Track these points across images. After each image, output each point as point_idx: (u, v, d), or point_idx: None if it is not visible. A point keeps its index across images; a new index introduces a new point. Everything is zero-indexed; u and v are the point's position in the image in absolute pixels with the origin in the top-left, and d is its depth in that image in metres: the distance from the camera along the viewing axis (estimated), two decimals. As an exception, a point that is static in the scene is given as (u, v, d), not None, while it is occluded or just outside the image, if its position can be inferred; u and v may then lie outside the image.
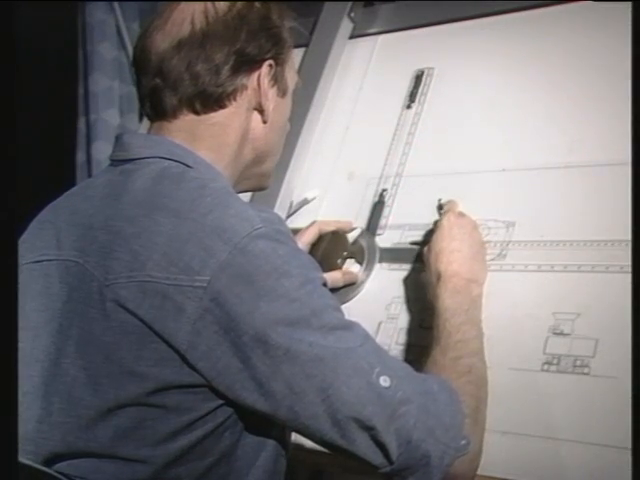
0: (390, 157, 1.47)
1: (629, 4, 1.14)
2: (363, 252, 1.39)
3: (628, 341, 0.98)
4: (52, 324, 1.04)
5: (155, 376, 0.98)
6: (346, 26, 1.61)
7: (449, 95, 1.46)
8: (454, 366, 1.08)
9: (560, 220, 1.23)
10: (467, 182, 1.36)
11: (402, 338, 1.28)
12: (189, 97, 1.10)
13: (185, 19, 1.10)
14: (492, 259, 1.25)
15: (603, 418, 1.06)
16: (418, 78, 1.50)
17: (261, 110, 1.14)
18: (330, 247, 1.38)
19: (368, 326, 1.29)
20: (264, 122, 1.15)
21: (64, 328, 1.03)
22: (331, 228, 1.40)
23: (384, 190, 1.43)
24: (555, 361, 1.13)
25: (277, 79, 1.15)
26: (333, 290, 1.36)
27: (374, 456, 0.98)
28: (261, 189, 1.28)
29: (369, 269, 1.38)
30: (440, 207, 1.34)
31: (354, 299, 1.37)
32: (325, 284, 1.04)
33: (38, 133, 2.33)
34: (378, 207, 1.43)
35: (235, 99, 1.12)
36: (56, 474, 0.99)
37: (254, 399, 0.98)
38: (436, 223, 1.28)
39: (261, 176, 1.21)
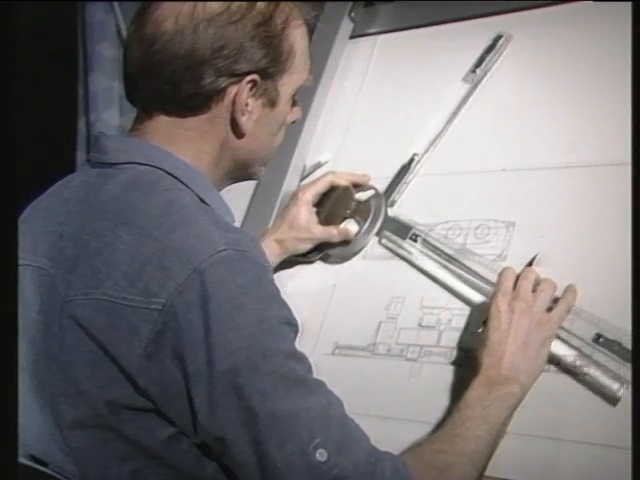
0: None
1: (629, 4, 1.14)
2: (368, 214, 1.39)
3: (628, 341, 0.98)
4: (28, 333, 1.02)
5: (107, 397, 0.96)
6: (346, 26, 1.61)
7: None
8: (429, 458, 1.01)
9: (560, 220, 1.23)
10: (467, 182, 1.36)
11: (402, 338, 1.27)
12: (160, 97, 1.05)
13: (174, 10, 1.03)
14: (492, 259, 1.25)
15: (603, 418, 1.06)
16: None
17: (237, 123, 1.06)
18: (337, 201, 1.39)
19: (368, 326, 1.31)
20: (240, 136, 1.08)
21: (37, 340, 1.02)
22: (344, 183, 1.40)
23: (415, 154, 1.42)
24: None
25: (265, 91, 1.07)
26: (329, 245, 1.39)
27: None
28: (250, 180, 1.23)
29: (368, 232, 1.38)
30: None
31: (353, 297, 1.37)
32: (292, 323, 0.98)
33: (38, 133, 2.33)
34: (404, 170, 1.42)
35: (210, 108, 1.05)
36: (56, 474, 0.99)
37: (191, 432, 0.96)
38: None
39: (247, 176, 1.16)
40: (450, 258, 1.29)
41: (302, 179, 1.53)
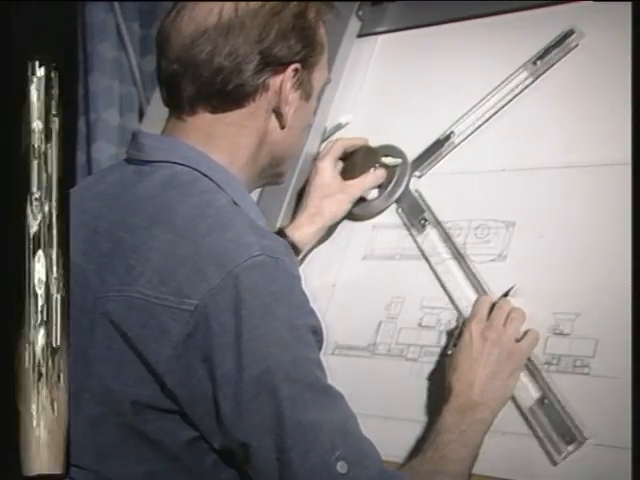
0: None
1: (629, 4, 1.14)
2: (392, 178, 1.40)
3: (628, 341, 0.98)
4: None
5: (132, 396, 0.96)
6: (354, 25, 1.61)
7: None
8: (427, 479, 1.03)
9: (560, 220, 1.23)
10: (467, 182, 1.36)
11: (402, 338, 1.28)
12: (207, 90, 1.05)
13: (214, 7, 1.05)
14: (492, 259, 1.26)
15: (603, 418, 1.07)
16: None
17: (280, 114, 1.09)
18: (363, 161, 1.40)
19: (368, 326, 1.31)
20: (282, 127, 1.10)
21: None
22: (360, 142, 1.41)
23: (452, 132, 1.40)
24: (555, 361, 1.13)
25: (302, 83, 1.09)
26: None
27: None
28: (275, 184, 1.26)
29: (389, 196, 1.39)
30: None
31: (353, 297, 1.37)
32: (319, 332, 1.00)
33: (38, 133, 2.33)
34: (437, 144, 1.40)
35: (254, 100, 1.06)
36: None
37: (214, 437, 0.96)
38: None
39: (276, 176, 1.17)
40: (453, 257, 1.29)
41: (323, 141, 1.52)
